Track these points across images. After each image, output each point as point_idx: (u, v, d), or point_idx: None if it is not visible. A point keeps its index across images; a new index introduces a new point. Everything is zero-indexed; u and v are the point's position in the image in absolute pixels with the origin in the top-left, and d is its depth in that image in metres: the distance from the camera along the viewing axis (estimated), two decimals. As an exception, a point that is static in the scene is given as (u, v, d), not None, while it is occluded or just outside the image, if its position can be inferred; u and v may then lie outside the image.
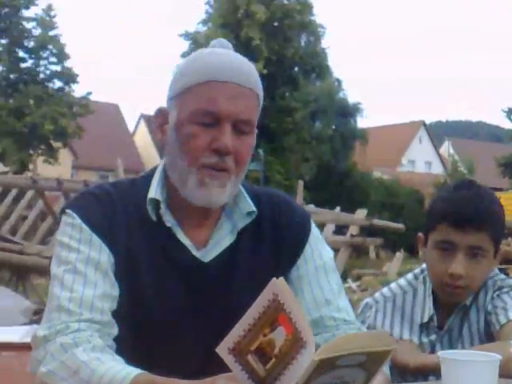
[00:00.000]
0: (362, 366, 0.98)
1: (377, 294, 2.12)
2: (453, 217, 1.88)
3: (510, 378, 1.45)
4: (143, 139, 39.31)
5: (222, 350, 1.03)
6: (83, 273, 1.34)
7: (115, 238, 1.40)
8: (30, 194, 9.91)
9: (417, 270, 2.11)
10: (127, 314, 1.38)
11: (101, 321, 1.31)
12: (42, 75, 25.70)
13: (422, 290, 2.04)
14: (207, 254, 1.44)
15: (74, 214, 1.41)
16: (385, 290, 2.12)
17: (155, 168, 1.52)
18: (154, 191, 1.44)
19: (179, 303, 1.41)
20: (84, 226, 1.39)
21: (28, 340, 1.79)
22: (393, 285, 2.13)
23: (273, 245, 1.49)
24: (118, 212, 1.42)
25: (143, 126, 40.77)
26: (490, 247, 1.91)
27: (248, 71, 1.42)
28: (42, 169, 17.58)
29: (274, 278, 1.01)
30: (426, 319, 2.00)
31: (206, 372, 1.06)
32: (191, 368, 1.07)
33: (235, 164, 1.40)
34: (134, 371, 1.15)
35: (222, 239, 1.46)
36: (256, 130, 1.45)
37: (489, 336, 1.95)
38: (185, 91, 1.40)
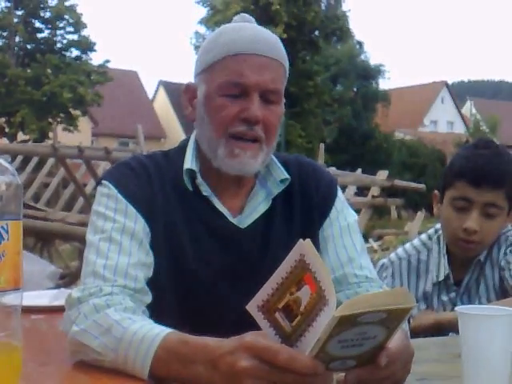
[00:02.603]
0: (383, 322, 1.00)
1: (392, 255, 2.16)
2: (471, 174, 1.91)
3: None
4: (163, 105, 39.27)
5: (252, 307, 1.06)
6: (118, 241, 1.37)
7: (153, 209, 1.43)
8: (50, 161, 9.96)
9: (431, 231, 2.15)
10: (169, 280, 1.42)
11: (134, 288, 1.33)
12: (58, 44, 25.61)
13: (436, 250, 2.08)
14: (243, 221, 1.49)
15: (110, 185, 1.44)
16: (399, 250, 2.17)
17: (186, 140, 1.56)
18: (190, 162, 1.48)
19: (219, 269, 1.45)
20: (119, 196, 1.42)
21: (56, 303, 1.84)
22: (407, 245, 2.17)
23: (303, 210, 1.53)
24: (154, 183, 1.46)
25: (162, 93, 40.68)
26: (505, 205, 1.95)
27: (274, 43, 1.45)
28: (62, 137, 17.66)
29: (301, 240, 1.03)
30: (441, 277, 2.04)
31: (240, 333, 1.08)
32: (226, 328, 1.10)
33: (265, 133, 1.44)
34: (165, 329, 1.17)
35: (257, 206, 1.51)
36: (284, 100, 1.48)
37: (503, 291, 1.99)
38: (212, 66, 1.44)
